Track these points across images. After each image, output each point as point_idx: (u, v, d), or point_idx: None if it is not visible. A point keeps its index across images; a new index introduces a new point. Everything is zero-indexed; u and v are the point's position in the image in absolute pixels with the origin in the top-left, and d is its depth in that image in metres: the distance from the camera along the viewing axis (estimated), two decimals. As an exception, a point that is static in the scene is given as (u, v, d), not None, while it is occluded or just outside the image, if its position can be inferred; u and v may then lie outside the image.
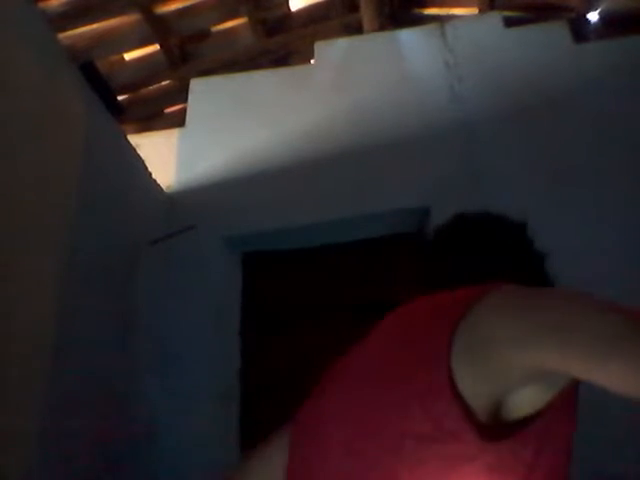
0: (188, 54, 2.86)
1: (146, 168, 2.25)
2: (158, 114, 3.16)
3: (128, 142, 2.14)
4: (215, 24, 2.87)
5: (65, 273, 1.51)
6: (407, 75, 2.51)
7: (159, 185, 2.34)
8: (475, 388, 0.54)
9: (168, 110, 3.17)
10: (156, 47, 2.73)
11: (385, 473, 0.58)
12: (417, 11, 3.07)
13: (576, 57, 2.43)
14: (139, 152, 2.20)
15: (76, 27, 2.48)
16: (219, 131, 2.52)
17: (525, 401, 0.57)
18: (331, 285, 2.23)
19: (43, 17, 1.73)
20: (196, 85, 2.68)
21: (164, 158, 2.46)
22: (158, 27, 2.59)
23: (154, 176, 2.30)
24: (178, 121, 2.70)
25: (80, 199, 1.64)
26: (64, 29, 2.40)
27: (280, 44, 2.98)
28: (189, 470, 1.89)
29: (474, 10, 2.86)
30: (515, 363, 0.54)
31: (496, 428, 0.55)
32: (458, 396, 0.53)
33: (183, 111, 2.70)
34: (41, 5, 2.26)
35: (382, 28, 2.82)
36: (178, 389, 1.99)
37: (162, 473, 1.88)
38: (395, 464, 0.57)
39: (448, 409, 0.53)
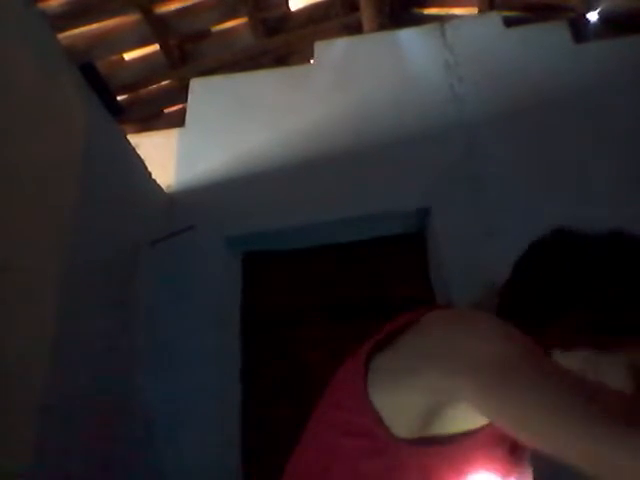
0: (188, 54, 2.86)
1: (146, 168, 2.25)
2: (158, 114, 3.16)
3: (128, 142, 2.14)
4: (215, 24, 2.87)
5: (65, 273, 1.51)
6: (407, 75, 2.51)
7: (159, 185, 2.34)
8: (390, 400, 0.60)
9: (168, 110, 3.17)
10: (156, 47, 2.73)
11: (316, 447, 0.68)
12: (417, 11, 3.07)
13: (576, 57, 2.43)
14: (139, 152, 2.20)
15: (76, 27, 2.48)
16: (219, 131, 2.52)
17: (456, 418, 0.60)
18: (331, 285, 2.23)
19: (43, 17, 1.73)
20: (196, 85, 2.68)
21: (164, 158, 2.46)
22: (158, 27, 2.59)
23: (154, 176, 2.30)
24: (178, 121, 2.70)
25: (80, 199, 1.64)
26: (64, 29, 2.39)
27: (280, 44, 2.98)
28: (189, 472, 1.89)
29: (474, 10, 2.86)
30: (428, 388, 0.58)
31: (424, 437, 0.60)
32: (371, 406, 0.60)
33: (183, 111, 2.70)
34: (41, 5, 2.26)
35: (382, 28, 2.82)
36: (178, 389, 1.98)
37: (162, 474, 1.88)
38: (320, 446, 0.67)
39: (364, 414, 0.60)
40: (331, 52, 2.66)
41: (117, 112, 2.00)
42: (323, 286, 2.23)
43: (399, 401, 0.59)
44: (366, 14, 2.83)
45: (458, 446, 0.60)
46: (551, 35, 2.52)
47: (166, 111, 3.18)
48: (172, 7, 2.62)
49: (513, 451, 0.68)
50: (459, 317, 0.61)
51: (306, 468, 0.69)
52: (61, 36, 2.26)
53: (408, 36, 2.66)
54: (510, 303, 0.71)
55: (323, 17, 2.96)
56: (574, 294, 0.65)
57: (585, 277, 0.66)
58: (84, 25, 2.51)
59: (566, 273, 0.68)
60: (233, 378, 2.13)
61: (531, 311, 0.68)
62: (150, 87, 2.97)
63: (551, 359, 0.56)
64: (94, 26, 2.54)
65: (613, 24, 2.61)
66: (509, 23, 2.62)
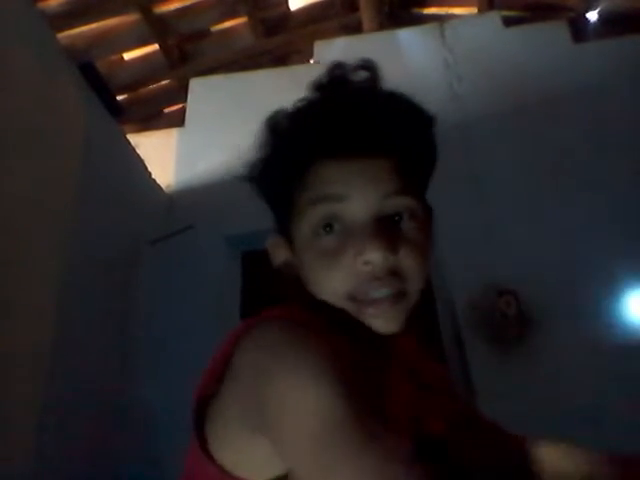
0: (187, 54, 2.86)
1: (146, 168, 2.25)
2: (157, 114, 3.16)
3: (128, 142, 2.14)
4: (214, 24, 2.87)
5: (65, 273, 1.51)
6: (406, 74, 2.49)
7: (159, 185, 2.34)
8: (230, 448, 0.53)
9: (167, 110, 3.17)
10: (155, 47, 2.73)
11: None
12: (416, 10, 3.07)
13: (575, 57, 2.43)
14: (139, 152, 2.20)
15: (75, 27, 2.48)
16: (218, 131, 2.52)
17: None
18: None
19: (43, 17, 1.73)
20: (195, 85, 2.68)
21: (164, 158, 2.46)
22: (157, 27, 2.59)
23: (154, 176, 2.30)
24: (177, 121, 2.70)
25: (80, 199, 1.64)
26: (64, 29, 2.39)
27: (279, 44, 2.98)
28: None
29: (473, 9, 2.87)
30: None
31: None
32: (209, 454, 0.53)
33: (182, 111, 2.71)
34: (41, 5, 2.25)
35: (381, 28, 2.82)
36: (178, 389, 1.98)
37: (162, 474, 1.88)
38: None
39: (205, 466, 0.53)
40: (331, 52, 2.66)
41: (117, 112, 2.00)
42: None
43: (238, 449, 0.52)
44: (366, 14, 2.83)
45: None
46: (550, 35, 2.52)
47: (166, 111, 3.18)
48: (172, 7, 2.62)
49: None
50: (267, 359, 0.50)
51: None
52: (61, 36, 2.25)
53: (408, 36, 2.66)
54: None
55: (323, 17, 2.96)
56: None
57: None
58: (84, 25, 2.50)
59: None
60: (233, 378, 2.13)
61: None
62: (150, 87, 2.96)
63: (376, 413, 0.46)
64: (94, 26, 2.54)
65: (613, 24, 2.61)
66: (508, 23, 2.62)
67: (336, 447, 0.43)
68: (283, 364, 0.49)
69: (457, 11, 2.99)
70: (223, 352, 0.58)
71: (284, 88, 2.57)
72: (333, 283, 0.57)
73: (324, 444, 0.44)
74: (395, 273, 0.55)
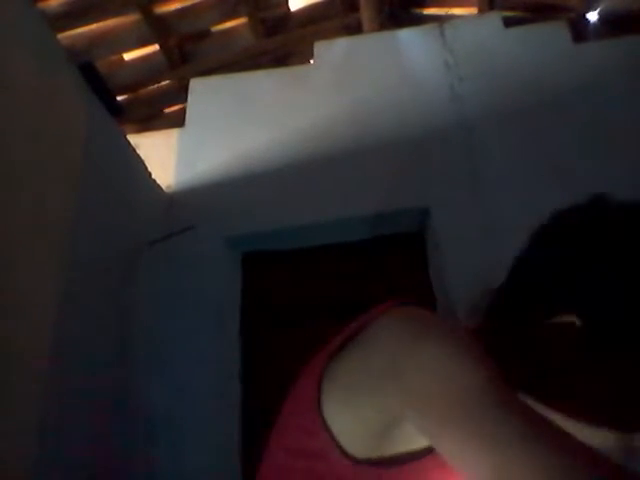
0: (188, 54, 2.87)
1: (146, 168, 2.25)
2: (158, 114, 3.16)
3: (128, 142, 2.14)
4: (215, 24, 2.87)
5: (65, 273, 1.51)
6: (407, 75, 2.51)
7: (159, 185, 2.34)
8: (344, 415, 0.55)
9: (168, 110, 3.17)
10: (156, 47, 2.73)
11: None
12: (417, 11, 3.07)
13: (575, 57, 2.43)
14: (139, 152, 2.20)
15: (75, 27, 2.48)
16: (219, 131, 2.52)
17: (409, 435, 0.53)
18: (331, 285, 2.23)
19: (43, 17, 1.73)
20: (196, 85, 2.68)
21: (164, 158, 2.45)
22: (158, 27, 2.59)
23: (154, 176, 2.30)
24: (178, 121, 2.70)
25: (80, 199, 1.64)
26: (64, 29, 2.39)
27: (280, 44, 2.98)
28: (189, 472, 1.89)
29: (473, 10, 2.87)
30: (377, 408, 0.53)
31: (384, 456, 0.54)
32: (324, 422, 0.55)
33: (183, 111, 2.70)
34: (41, 5, 2.26)
35: (382, 28, 2.83)
36: (178, 389, 1.99)
37: (162, 474, 1.88)
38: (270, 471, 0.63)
39: (316, 431, 0.56)
40: (331, 52, 2.66)
41: (117, 112, 2.00)
42: (323, 286, 2.23)
43: (352, 418, 0.54)
44: (366, 14, 2.83)
45: (419, 463, 0.54)
46: (551, 35, 2.52)
47: (166, 111, 3.18)
48: (172, 7, 2.62)
49: None
50: (410, 331, 0.53)
51: None
52: (61, 36, 2.26)
53: (408, 36, 2.66)
54: (510, 298, 0.65)
55: (323, 17, 2.96)
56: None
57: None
58: (84, 25, 2.51)
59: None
60: (233, 378, 2.13)
61: (531, 308, 0.61)
62: (150, 87, 2.97)
63: (512, 393, 0.47)
64: (94, 26, 2.54)
65: (613, 24, 2.61)
66: (509, 23, 2.62)
67: (477, 410, 0.44)
68: (420, 339, 0.51)
69: (457, 11, 2.99)
70: (358, 324, 0.61)
71: (284, 88, 2.60)
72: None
73: (464, 406, 0.45)
74: None
